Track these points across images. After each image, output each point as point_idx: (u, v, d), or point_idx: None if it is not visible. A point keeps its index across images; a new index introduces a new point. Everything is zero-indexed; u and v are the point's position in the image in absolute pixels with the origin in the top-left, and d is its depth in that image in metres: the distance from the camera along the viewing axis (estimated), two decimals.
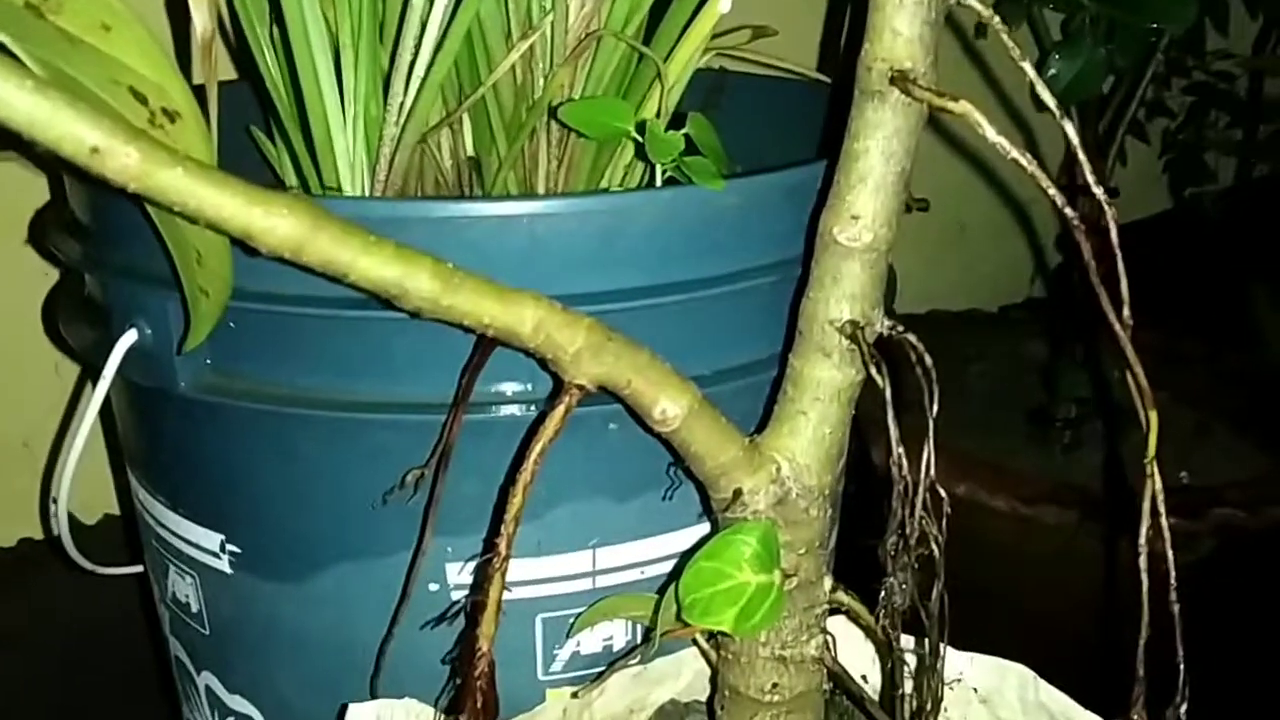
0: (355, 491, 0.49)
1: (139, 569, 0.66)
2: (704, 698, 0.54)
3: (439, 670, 0.49)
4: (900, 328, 0.40)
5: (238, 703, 0.56)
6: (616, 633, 0.52)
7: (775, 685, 0.42)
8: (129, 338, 0.49)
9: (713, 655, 0.46)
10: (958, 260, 1.44)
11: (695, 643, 0.48)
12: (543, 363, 0.39)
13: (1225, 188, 1.50)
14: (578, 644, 0.52)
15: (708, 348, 0.49)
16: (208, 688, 0.57)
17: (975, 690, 0.52)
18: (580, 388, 0.38)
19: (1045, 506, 0.87)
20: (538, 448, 0.39)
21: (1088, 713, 0.49)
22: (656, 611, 0.45)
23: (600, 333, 0.38)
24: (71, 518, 0.81)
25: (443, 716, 0.46)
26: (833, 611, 0.44)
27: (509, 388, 0.47)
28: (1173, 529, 0.38)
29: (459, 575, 0.49)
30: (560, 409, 0.38)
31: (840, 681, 0.44)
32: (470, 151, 0.58)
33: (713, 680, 0.47)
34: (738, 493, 0.41)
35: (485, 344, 0.39)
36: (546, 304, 0.37)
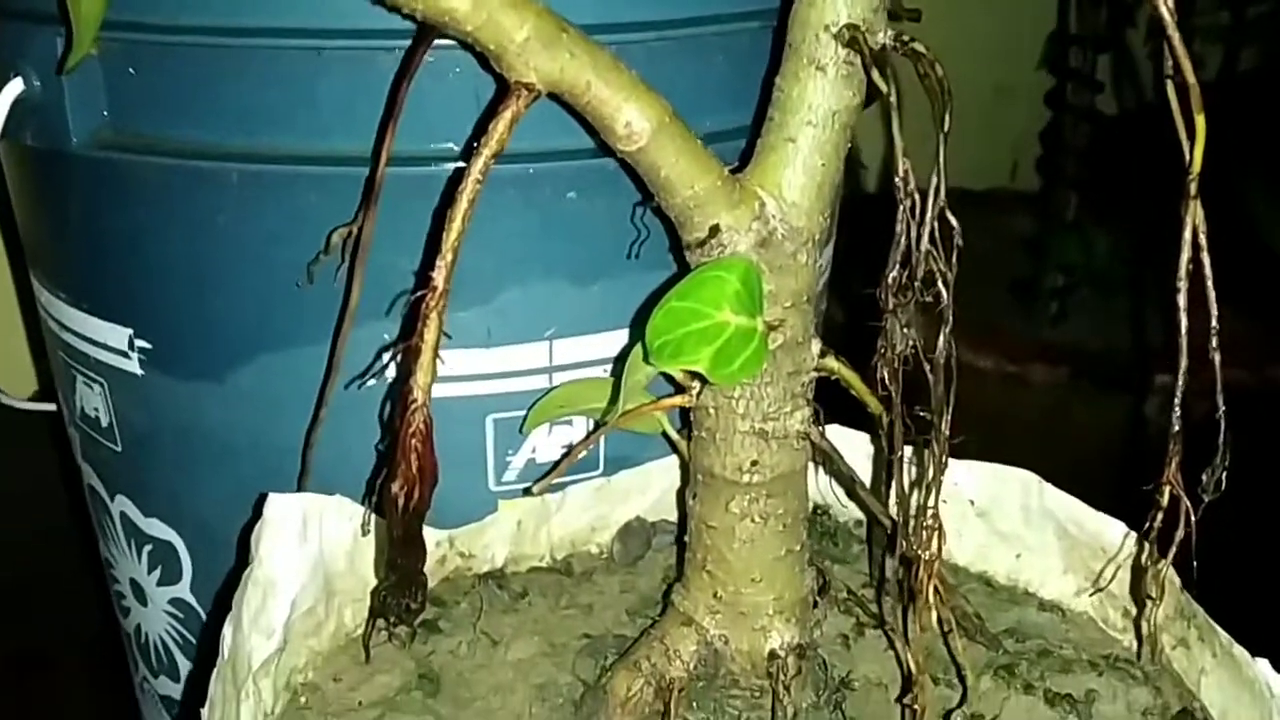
0: (277, 267, 0.42)
1: (53, 407, 0.60)
2: (673, 516, 0.49)
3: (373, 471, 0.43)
4: (906, 37, 0.35)
5: (155, 527, 0.50)
6: (578, 439, 0.47)
7: (755, 463, 0.37)
8: (14, 88, 0.42)
9: (682, 444, 0.41)
10: (933, 150, 1.39)
11: (666, 438, 0.43)
12: (484, 61, 0.33)
13: (1212, 79, 1.46)
14: (533, 450, 0.46)
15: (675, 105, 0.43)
16: (123, 514, 0.51)
17: (972, 503, 0.47)
18: (529, 88, 0.32)
19: (1034, 365, 0.82)
20: (479, 163, 0.33)
21: (1099, 514, 0.44)
22: (617, 396, 0.40)
23: (553, 21, 0.32)
24: None
25: (373, 517, 0.40)
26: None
27: (454, 146, 0.41)
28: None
29: (398, 366, 0.43)
30: (506, 114, 0.32)
31: (829, 461, 0.39)
32: None
33: (684, 471, 0.42)
34: (714, 229, 0.35)
35: (421, 36, 0.33)
36: None
